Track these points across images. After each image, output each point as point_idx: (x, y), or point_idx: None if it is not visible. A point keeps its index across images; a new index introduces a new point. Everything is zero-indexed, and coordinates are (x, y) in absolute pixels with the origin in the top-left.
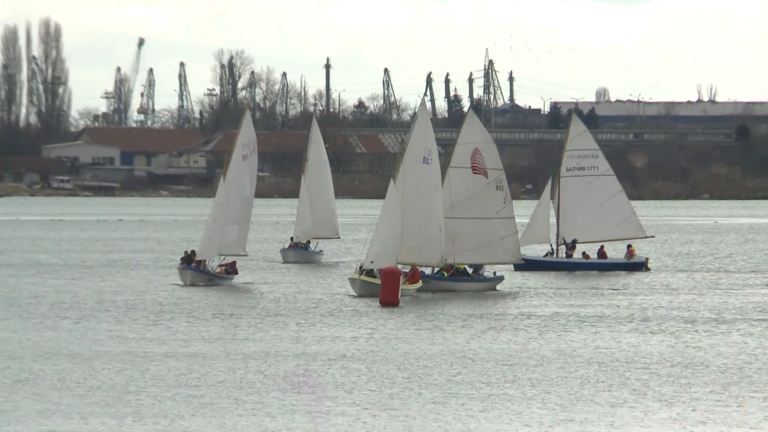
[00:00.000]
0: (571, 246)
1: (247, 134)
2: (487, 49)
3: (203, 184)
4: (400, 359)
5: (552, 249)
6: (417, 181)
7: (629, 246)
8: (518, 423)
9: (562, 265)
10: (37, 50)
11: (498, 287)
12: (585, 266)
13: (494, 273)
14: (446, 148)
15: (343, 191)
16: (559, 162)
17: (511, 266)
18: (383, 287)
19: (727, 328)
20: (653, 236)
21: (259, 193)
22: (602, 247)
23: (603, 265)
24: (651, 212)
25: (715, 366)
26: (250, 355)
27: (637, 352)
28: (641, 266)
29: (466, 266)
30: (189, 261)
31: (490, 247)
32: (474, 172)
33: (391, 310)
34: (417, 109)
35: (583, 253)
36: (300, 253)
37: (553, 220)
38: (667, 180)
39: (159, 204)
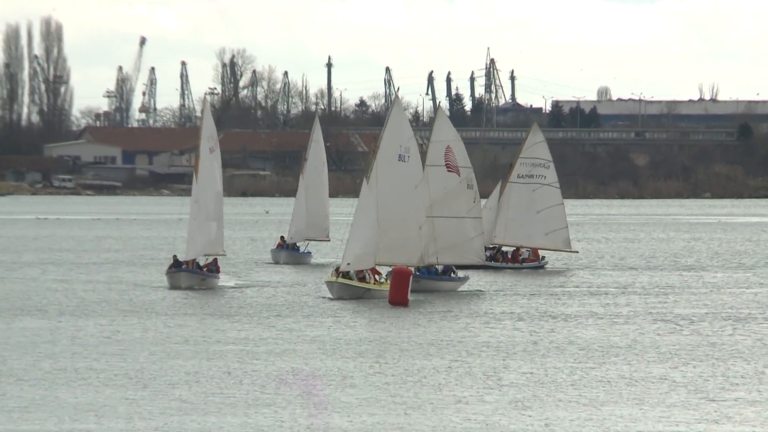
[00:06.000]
0: (496, 253)
1: (209, 127)
2: (488, 48)
3: None
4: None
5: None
6: (392, 180)
7: None
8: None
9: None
10: (38, 49)
11: (460, 288)
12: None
13: (454, 273)
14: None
15: (344, 190)
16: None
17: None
18: (392, 287)
19: None
20: (577, 251)
21: (261, 192)
22: (517, 249)
23: (517, 266)
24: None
25: None
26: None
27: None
28: (543, 266)
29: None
30: (177, 265)
31: (461, 248)
32: (448, 170)
33: (402, 309)
34: (391, 105)
35: (505, 254)
36: (290, 254)
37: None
38: (669, 179)
39: (162, 203)
